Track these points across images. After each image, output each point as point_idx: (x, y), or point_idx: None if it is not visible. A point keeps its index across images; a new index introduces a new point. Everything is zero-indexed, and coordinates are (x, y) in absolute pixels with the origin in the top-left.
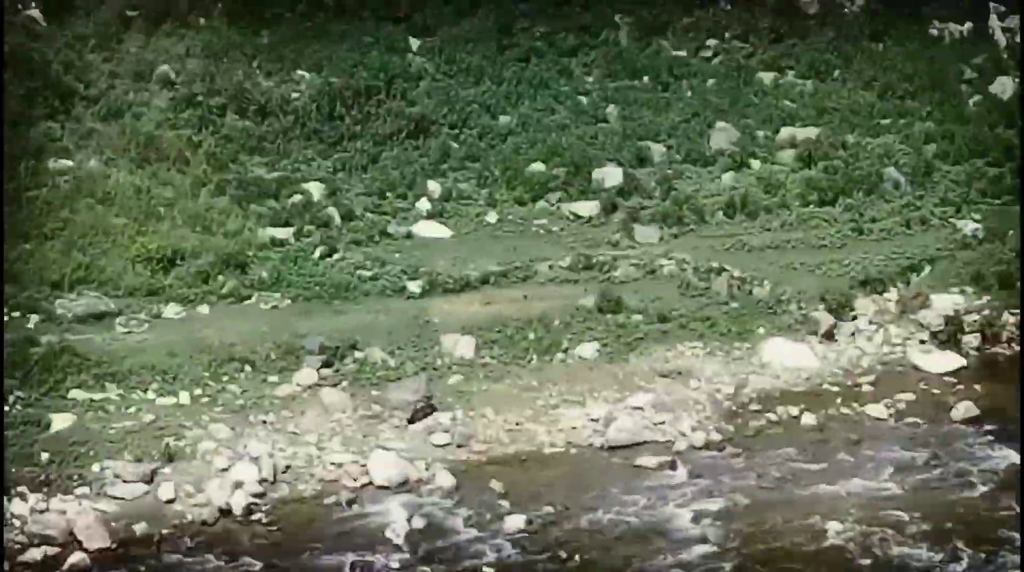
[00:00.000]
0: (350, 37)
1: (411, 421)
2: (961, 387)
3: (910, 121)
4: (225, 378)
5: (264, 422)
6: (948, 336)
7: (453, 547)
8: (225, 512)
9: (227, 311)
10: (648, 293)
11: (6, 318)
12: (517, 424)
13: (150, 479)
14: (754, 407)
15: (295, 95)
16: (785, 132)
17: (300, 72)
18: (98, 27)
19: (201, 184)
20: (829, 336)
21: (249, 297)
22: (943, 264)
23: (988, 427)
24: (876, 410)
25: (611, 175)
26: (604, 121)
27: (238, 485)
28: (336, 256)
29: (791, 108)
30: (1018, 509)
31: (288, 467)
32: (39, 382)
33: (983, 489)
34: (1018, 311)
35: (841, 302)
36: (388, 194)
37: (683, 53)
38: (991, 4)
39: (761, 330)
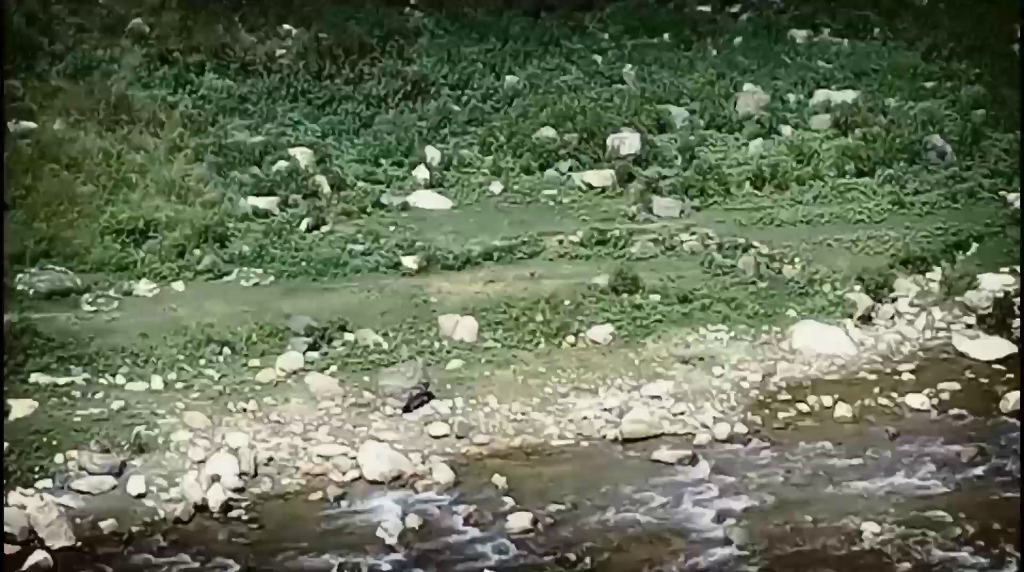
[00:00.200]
0: None
1: (406, 410)
2: (1011, 376)
3: (957, 84)
4: (202, 362)
5: (244, 410)
6: (997, 320)
7: (451, 548)
8: (201, 508)
9: (204, 288)
10: (667, 271)
11: None
12: (522, 414)
13: (119, 472)
14: (783, 397)
15: (281, 52)
16: (819, 96)
17: (286, 27)
18: None
19: (176, 149)
20: (866, 319)
21: (229, 273)
22: (992, 241)
23: None
24: (917, 401)
25: (628, 142)
26: (620, 82)
27: (215, 479)
28: (325, 229)
29: (826, 69)
30: None
31: (270, 459)
32: None
33: None
34: None
35: (879, 282)
36: (382, 161)
37: (708, 8)
38: None
39: (791, 313)
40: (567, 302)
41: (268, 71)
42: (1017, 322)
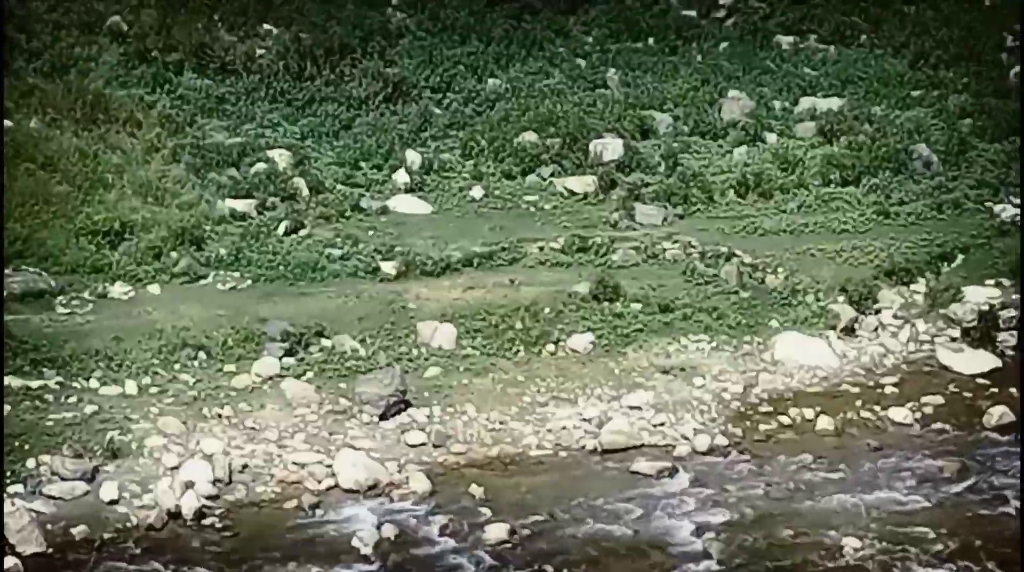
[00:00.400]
0: None
1: (383, 418)
2: (995, 390)
3: (944, 93)
4: (177, 366)
5: (219, 416)
6: (982, 333)
7: (427, 558)
8: (174, 515)
9: (180, 292)
10: (649, 280)
11: None
12: (501, 423)
13: (91, 477)
14: (765, 409)
15: (260, 52)
16: (805, 103)
17: (266, 26)
18: None
19: (154, 149)
20: (849, 331)
21: (205, 276)
22: (978, 253)
23: None
24: (900, 414)
25: (610, 147)
26: (604, 87)
27: (189, 485)
28: (303, 232)
29: (812, 76)
30: None
31: (245, 466)
32: None
33: (1017, 504)
34: None
35: (863, 294)
36: (362, 164)
37: (693, 13)
38: None
39: (774, 323)
40: (547, 310)
41: (247, 71)
42: (1002, 336)
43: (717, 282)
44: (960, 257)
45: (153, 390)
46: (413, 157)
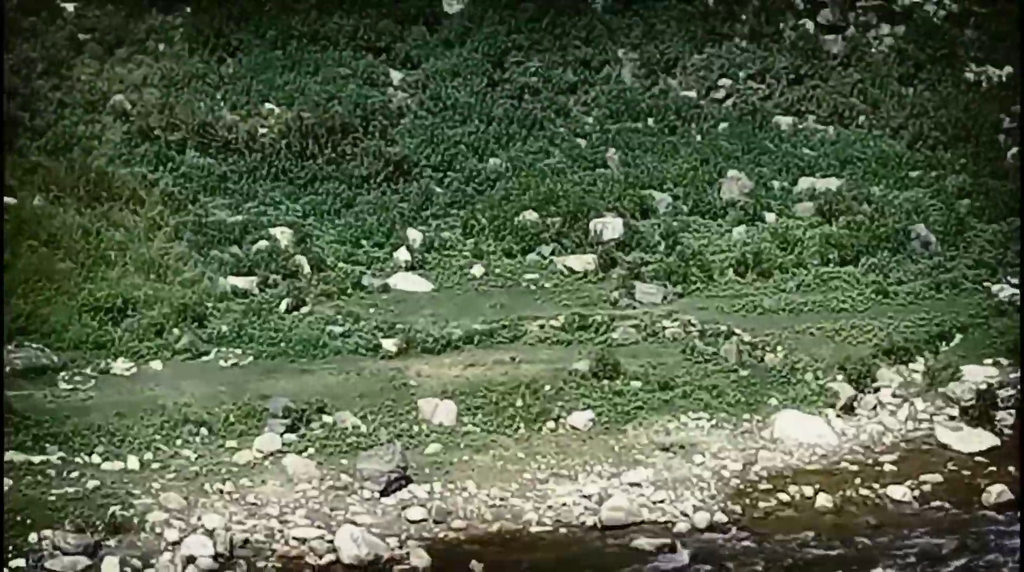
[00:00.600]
0: (324, 68)
1: (384, 494)
2: (993, 469)
3: (942, 174)
4: (179, 442)
5: (221, 491)
6: (980, 412)
7: None
8: None
9: (182, 368)
10: (649, 358)
11: None
12: (501, 500)
13: (93, 552)
14: (764, 486)
15: (262, 131)
16: (803, 183)
17: (268, 106)
18: (47, 51)
19: (156, 227)
20: (848, 409)
21: (207, 353)
22: (976, 332)
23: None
24: (899, 492)
25: (610, 226)
26: (604, 166)
27: (190, 560)
28: (304, 310)
29: (810, 157)
30: None
31: (246, 541)
32: None
33: None
34: None
35: (862, 372)
36: (363, 242)
37: (692, 94)
38: None
39: (773, 401)
40: (547, 387)
41: (250, 150)
42: (1000, 414)
43: (716, 360)
44: (958, 336)
45: (155, 465)
46: (414, 235)
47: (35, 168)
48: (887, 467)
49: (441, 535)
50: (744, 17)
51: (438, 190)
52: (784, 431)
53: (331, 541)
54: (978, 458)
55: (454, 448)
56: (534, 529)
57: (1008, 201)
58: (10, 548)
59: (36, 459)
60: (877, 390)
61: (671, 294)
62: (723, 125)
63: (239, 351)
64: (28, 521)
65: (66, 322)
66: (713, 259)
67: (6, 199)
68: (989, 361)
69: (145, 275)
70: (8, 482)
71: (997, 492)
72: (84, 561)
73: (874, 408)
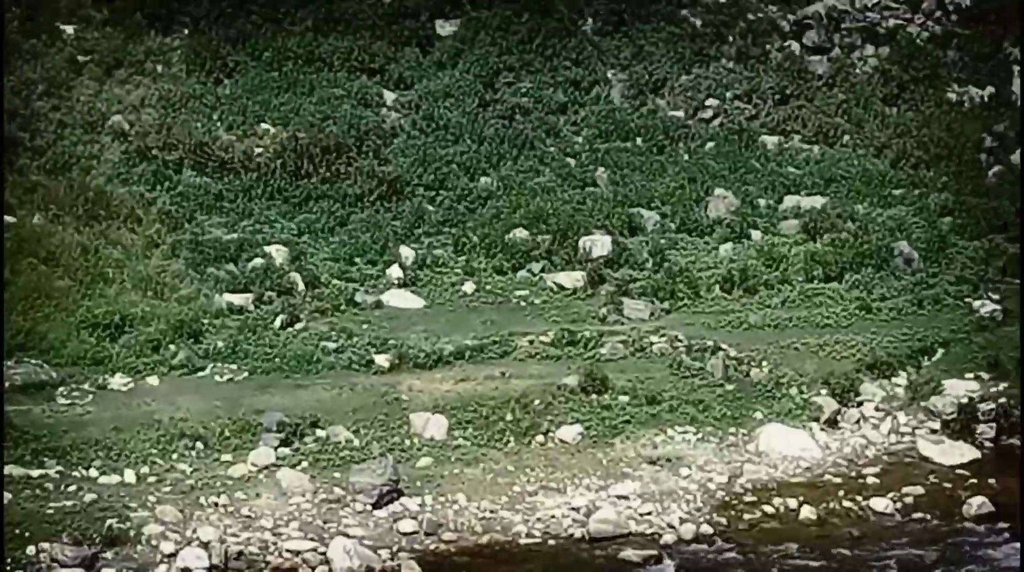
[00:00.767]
0: (319, 89)
1: (376, 506)
2: (974, 481)
3: (925, 192)
4: (174, 456)
5: (216, 504)
6: (961, 425)
7: None
8: None
9: (178, 383)
10: (636, 373)
11: None
12: (491, 512)
13: (90, 564)
14: (749, 498)
15: (258, 150)
16: (789, 201)
17: (264, 126)
18: (47, 72)
19: (153, 245)
20: (832, 423)
21: (203, 368)
22: (957, 347)
23: (1003, 525)
24: (881, 504)
25: (599, 244)
26: (593, 185)
27: None
28: (298, 326)
29: (796, 175)
30: None
31: (240, 553)
32: None
33: None
34: None
35: (846, 386)
36: (357, 260)
37: (680, 114)
38: (1014, 67)
39: (758, 415)
40: (537, 402)
41: (245, 169)
42: (981, 428)
43: (703, 375)
44: (940, 351)
45: (151, 479)
46: (407, 253)
47: (35, 187)
48: (870, 480)
49: (432, 547)
50: (731, 39)
51: (430, 208)
52: (769, 444)
53: (324, 553)
54: (959, 471)
55: (445, 461)
56: (523, 541)
57: (989, 218)
58: (9, 560)
59: (35, 473)
60: (860, 404)
61: (658, 310)
62: (710, 144)
63: (234, 367)
64: (27, 534)
65: (64, 338)
66: (700, 276)
67: (6, 218)
68: (970, 375)
69: (142, 292)
70: (7, 495)
71: (978, 504)
72: None
73: (857, 422)
